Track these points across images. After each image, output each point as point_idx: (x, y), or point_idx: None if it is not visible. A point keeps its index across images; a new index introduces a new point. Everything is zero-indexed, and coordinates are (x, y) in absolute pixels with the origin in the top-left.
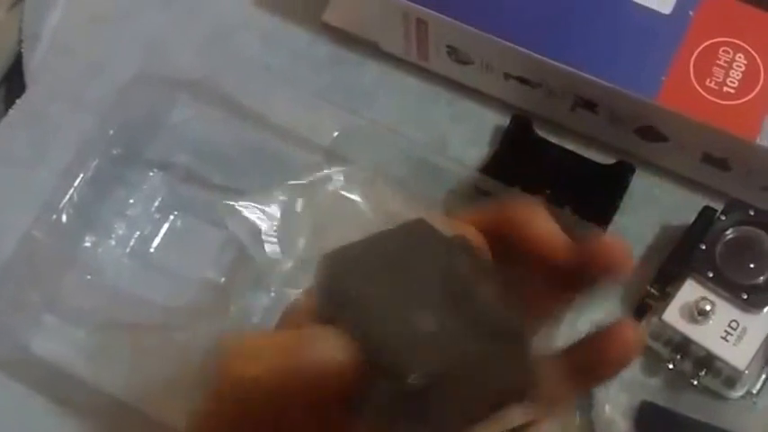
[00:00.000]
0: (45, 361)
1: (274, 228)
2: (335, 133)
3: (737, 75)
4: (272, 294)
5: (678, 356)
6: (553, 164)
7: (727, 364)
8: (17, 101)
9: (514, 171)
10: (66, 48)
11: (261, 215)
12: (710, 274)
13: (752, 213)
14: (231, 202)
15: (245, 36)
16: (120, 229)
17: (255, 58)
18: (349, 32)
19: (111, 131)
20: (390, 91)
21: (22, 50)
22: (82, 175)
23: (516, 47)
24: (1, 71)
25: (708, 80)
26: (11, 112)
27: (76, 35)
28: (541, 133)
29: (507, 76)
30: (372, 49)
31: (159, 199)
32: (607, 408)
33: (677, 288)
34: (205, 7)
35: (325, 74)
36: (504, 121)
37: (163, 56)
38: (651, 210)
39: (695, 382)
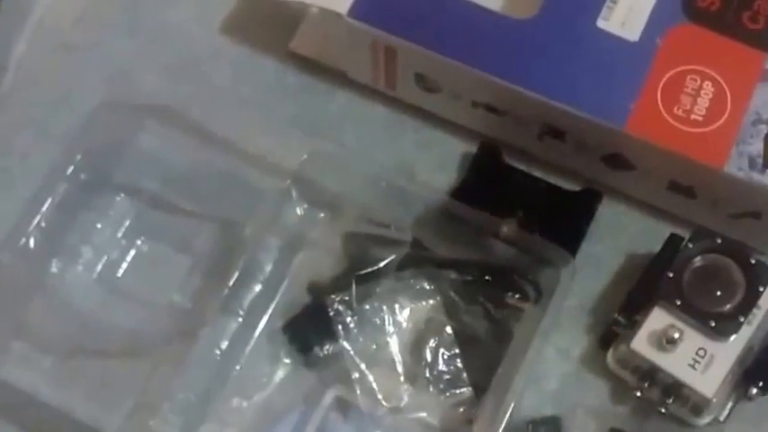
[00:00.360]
0: (12, 387)
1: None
2: (303, 158)
3: (705, 103)
4: (240, 319)
5: (646, 384)
6: (521, 191)
7: (695, 391)
8: None
9: (482, 198)
10: (33, 77)
11: None
12: (678, 302)
13: (719, 241)
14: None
15: (212, 64)
16: (87, 255)
17: (223, 86)
18: (317, 61)
19: (79, 156)
20: (358, 119)
21: None
22: (50, 200)
23: (484, 74)
24: None
25: (675, 108)
26: None
27: (43, 65)
28: (509, 161)
29: (475, 104)
30: (340, 78)
31: (126, 224)
32: None
33: (645, 316)
34: (172, 36)
35: (293, 102)
36: (471, 149)
37: (130, 84)
38: (618, 237)
39: (663, 410)
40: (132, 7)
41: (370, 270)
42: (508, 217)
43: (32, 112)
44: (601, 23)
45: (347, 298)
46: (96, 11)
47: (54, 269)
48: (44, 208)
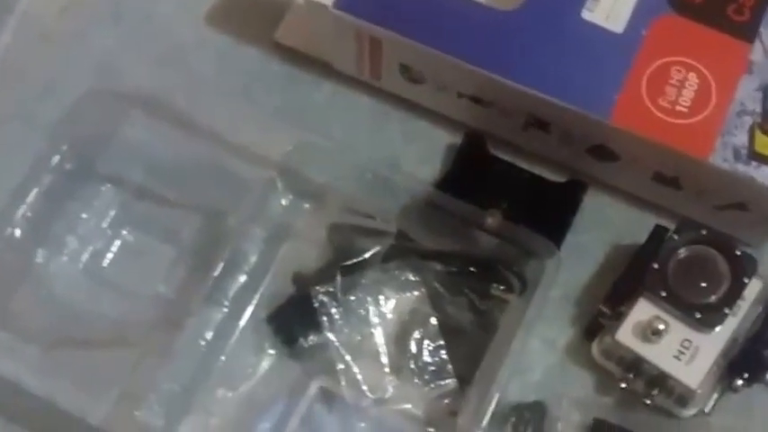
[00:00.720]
0: None
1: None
2: (288, 149)
3: (690, 94)
4: (225, 310)
5: (631, 375)
6: (506, 182)
7: (679, 382)
8: None
9: (467, 189)
10: (18, 69)
11: None
12: (663, 294)
13: (704, 232)
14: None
15: (197, 54)
16: (73, 245)
17: (208, 77)
18: (302, 52)
19: (64, 146)
20: (343, 110)
21: None
22: (36, 190)
23: (469, 65)
24: None
25: (660, 99)
26: None
27: (28, 56)
28: (495, 152)
29: (460, 95)
30: (325, 69)
31: (111, 214)
32: (559, 425)
33: (630, 307)
34: (157, 26)
35: (278, 93)
36: (456, 140)
37: (115, 73)
38: (603, 228)
39: (648, 401)
40: None
41: (354, 261)
42: (493, 208)
43: (18, 103)
44: (585, 15)
45: (332, 289)
46: (80, 1)
47: (39, 259)
48: (30, 198)
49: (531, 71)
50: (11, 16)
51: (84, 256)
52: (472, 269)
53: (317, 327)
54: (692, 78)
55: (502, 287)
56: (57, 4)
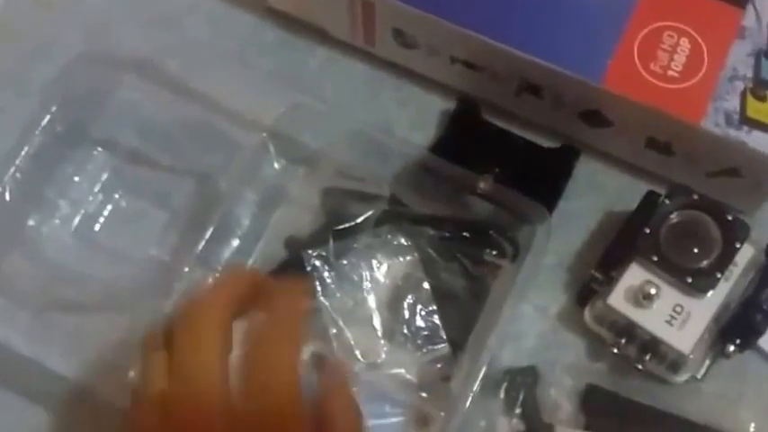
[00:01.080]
0: None
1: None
2: (281, 112)
3: (681, 59)
4: (217, 273)
5: (623, 341)
6: (499, 147)
7: (671, 348)
8: None
9: (460, 153)
10: (11, 32)
11: None
12: (655, 258)
13: (696, 197)
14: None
15: (190, 19)
16: (65, 209)
17: (201, 41)
18: (296, 17)
19: (54, 107)
20: (337, 76)
21: None
22: (25, 149)
23: (461, 29)
24: None
25: (652, 64)
26: None
27: (21, 19)
28: (488, 117)
29: (453, 59)
30: (319, 35)
31: (104, 178)
32: (552, 391)
33: (622, 272)
34: None
35: (272, 58)
36: (449, 106)
37: (109, 38)
38: (595, 195)
39: (640, 367)
40: None
41: (347, 225)
42: (486, 173)
43: (11, 67)
44: None
45: (325, 253)
46: None
47: (31, 222)
48: (18, 160)
49: (524, 35)
50: None
51: (77, 220)
52: (465, 234)
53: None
54: (684, 43)
55: (494, 252)
56: None
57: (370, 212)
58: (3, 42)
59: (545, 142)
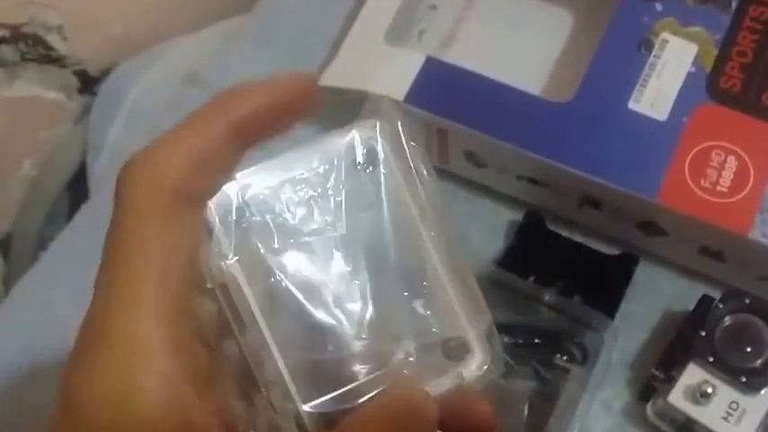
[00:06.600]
0: None
1: None
2: None
3: (729, 175)
4: None
5: None
6: (563, 255)
7: None
8: (82, 206)
9: (528, 262)
10: (125, 157)
11: None
12: (711, 359)
13: (747, 301)
14: None
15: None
16: None
17: None
18: None
19: None
20: None
21: (87, 159)
22: None
23: (527, 152)
24: (67, 178)
25: (702, 180)
26: (76, 216)
27: (135, 147)
28: (552, 227)
29: (519, 177)
30: None
31: None
32: None
33: (680, 372)
34: None
35: None
36: (517, 216)
37: None
38: (654, 297)
39: None
40: None
41: None
42: (549, 285)
43: None
44: (632, 105)
45: None
46: None
47: None
48: None
49: (584, 156)
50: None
51: None
52: (536, 341)
53: None
54: (731, 161)
55: (565, 357)
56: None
57: None
58: (118, 166)
59: (606, 249)
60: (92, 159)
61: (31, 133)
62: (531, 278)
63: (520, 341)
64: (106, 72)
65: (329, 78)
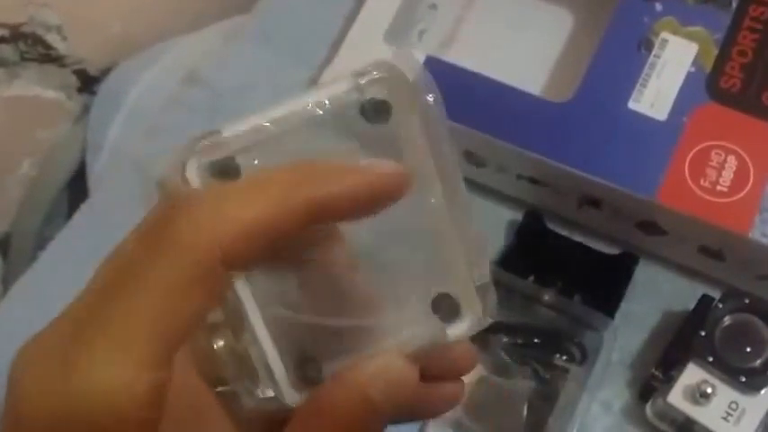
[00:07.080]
0: None
1: None
2: None
3: (729, 175)
4: None
5: None
6: (563, 255)
7: None
8: (81, 206)
9: (528, 262)
10: (125, 156)
11: None
12: (710, 359)
13: (747, 301)
14: None
15: None
16: None
17: None
18: None
19: None
20: None
21: (86, 159)
22: None
23: (526, 151)
24: (66, 177)
25: (702, 180)
26: (75, 216)
27: (135, 146)
28: (552, 227)
29: (519, 176)
30: None
31: None
32: None
33: (680, 372)
34: None
35: None
36: (517, 216)
37: None
38: (654, 297)
39: None
40: None
41: None
42: (549, 285)
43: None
44: (632, 105)
45: None
46: None
47: None
48: None
49: (583, 156)
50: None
51: None
52: (536, 341)
53: None
54: (731, 161)
55: (564, 357)
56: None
57: None
58: (117, 165)
59: (606, 249)
60: (91, 159)
61: (31, 133)
62: (531, 278)
63: (519, 341)
64: (106, 71)
65: (329, 78)
